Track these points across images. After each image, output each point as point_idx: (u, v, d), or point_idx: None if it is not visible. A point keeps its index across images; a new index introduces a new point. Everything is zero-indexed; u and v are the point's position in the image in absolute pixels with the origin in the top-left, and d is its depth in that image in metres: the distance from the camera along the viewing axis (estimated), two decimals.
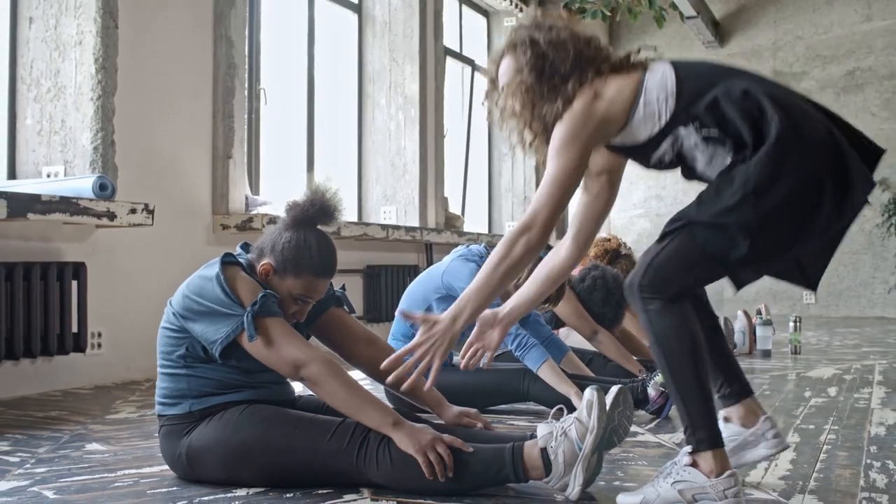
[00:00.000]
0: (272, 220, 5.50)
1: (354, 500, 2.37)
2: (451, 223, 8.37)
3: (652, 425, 3.55)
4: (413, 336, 3.76)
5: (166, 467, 2.72)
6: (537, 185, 8.75)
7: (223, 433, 2.46)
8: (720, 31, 11.39)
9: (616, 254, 5.55)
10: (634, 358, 4.45)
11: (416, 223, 7.72)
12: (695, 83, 2.29)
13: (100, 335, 4.75)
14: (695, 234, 2.21)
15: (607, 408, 2.38)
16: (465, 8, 9.56)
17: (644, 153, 2.41)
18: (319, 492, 2.43)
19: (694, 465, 2.23)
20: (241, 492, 2.44)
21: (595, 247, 5.63)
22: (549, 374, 3.67)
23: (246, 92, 5.78)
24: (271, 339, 2.42)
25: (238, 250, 2.67)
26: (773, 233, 2.18)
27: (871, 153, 2.30)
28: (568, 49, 2.41)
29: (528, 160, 9.98)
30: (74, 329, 4.49)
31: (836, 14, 10.72)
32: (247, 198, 5.77)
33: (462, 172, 9.50)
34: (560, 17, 2.52)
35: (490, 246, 3.94)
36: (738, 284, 2.26)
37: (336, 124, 7.61)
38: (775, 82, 2.36)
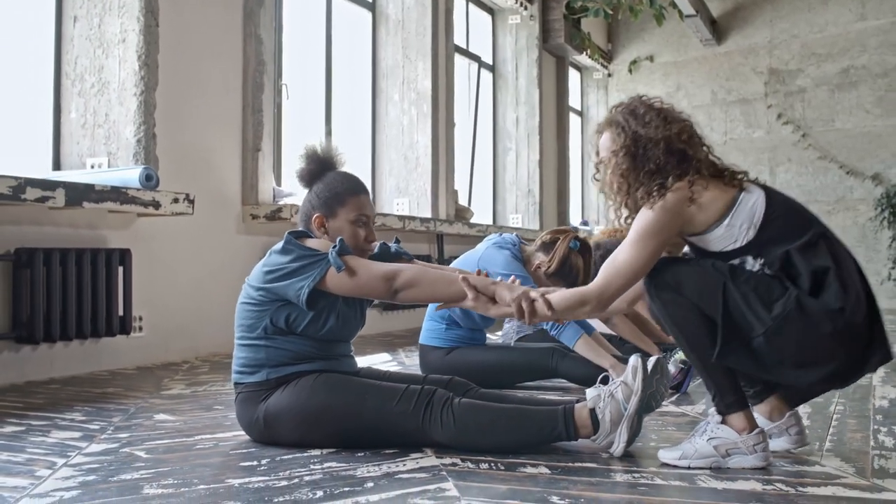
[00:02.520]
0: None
1: (420, 458, 2.61)
2: (461, 215, 8.62)
3: (673, 398, 3.81)
4: (449, 318, 4.04)
5: (239, 433, 2.97)
6: (541, 179, 9.01)
7: (299, 398, 2.71)
8: (717, 29, 11.65)
9: None
10: (649, 340, 4.70)
11: (428, 215, 7.98)
12: (779, 226, 2.48)
13: (141, 319, 5.00)
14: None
15: (649, 373, 2.65)
16: (471, 6, 9.82)
17: (704, 252, 2.61)
18: (387, 451, 2.69)
19: (725, 423, 2.51)
20: (316, 452, 2.69)
21: (605, 235, 5.88)
22: (585, 348, 3.92)
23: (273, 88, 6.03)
24: (356, 267, 2.66)
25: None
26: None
27: None
28: (659, 140, 2.58)
29: (531, 155, 10.24)
30: (120, 313, 4.74)
31: (831, 13, 11.00)
32: (273, 189, 6.01)
33: (469, 166, 9.75)
34: (655, 102, 2.68)
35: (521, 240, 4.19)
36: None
37: (352, 119, 7.86)
38: (838, 240, 2.53)
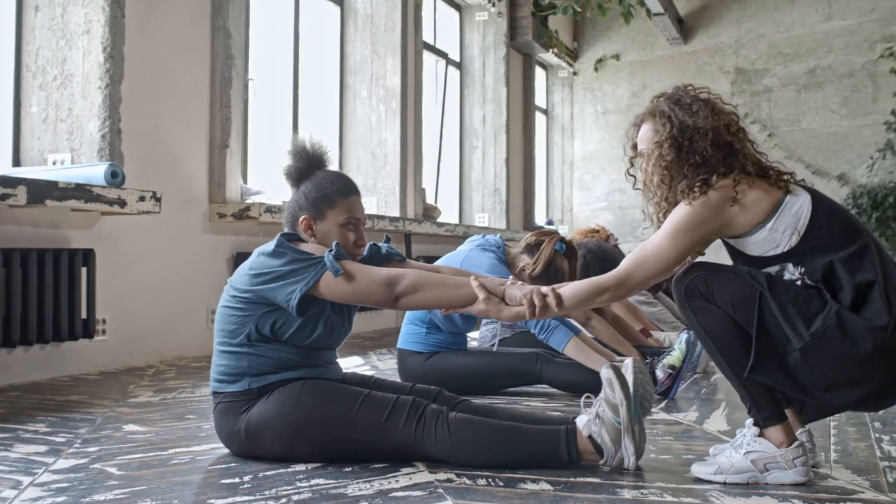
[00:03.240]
0: (269, 209, 5.58)
1: (412, 472, 2.48)
2: (429, 214, 8.49)
3: (662, 405, 3.70)
4: (430, 321, 3.90)
5: (216, 445, 2.82)
6: (508, 177, 8.90)
7: (283, 407, 2.56)
8: (684, 28, 11.61)
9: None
10: (628, 343, 4.60)
11: (396, 214, 7.83)
12: (825, 233, 2.34)
13: (104, 322, 4.80)
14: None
15: (627, 378, 2.52)
16: (439, 2, 9.67)
17: (742, 256, 2.48)
18: (375, 466, 2.54)
19: (762, 436, 2.38)
20: (300, 467, 2.54)
21: (581, 235, 5.79)
22: (576, 352, 3.81)
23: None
24: (354, 272, 2.52)
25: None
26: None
27: None
28: (707, 131, 2.44)
29: (498, 154, 10.13)
30: (83, 315, 4.54)
31: (798, 13, 10.99)
32: (241, 187, 5.83)
33: (435, 164, 9.62)
34: (701, 93, 2.55)
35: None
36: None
37: (319, 116, 7.68)
38: (885, 251, 2.40)
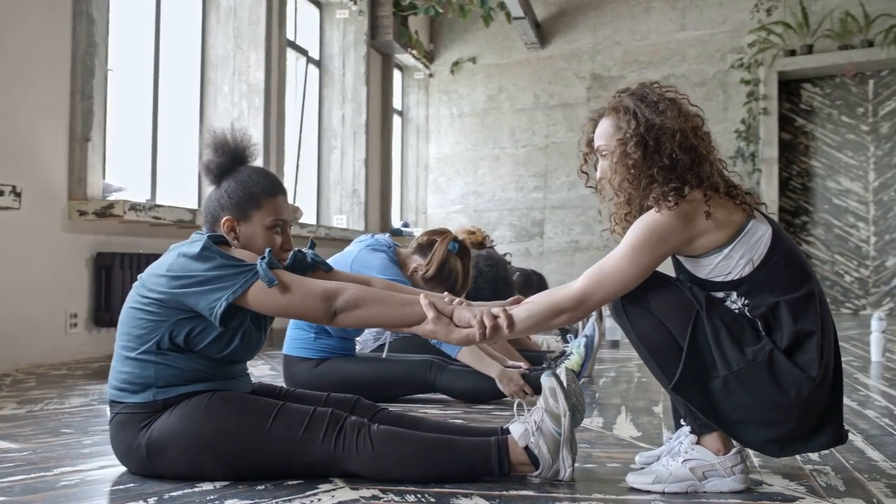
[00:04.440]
0: (134, 206, 5.28)
1: (333, 489, 2.31)
2: (291, 215, 8.24)
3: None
4: (318, 326, 3.73)
5: (105, 463, 2.60)
6: (366, 179, 8.75)
7: (191, 421, 2.35)
8: (541, 33, 11.71)
9: (481, 246, 5.63)
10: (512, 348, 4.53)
11: None
12: (778, 271, 2.25)
13: None
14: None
15: (566, 388, 2.44)
16: None
17: (687, 273, 2.39)
18: (290, 483, 2.37)
19: (699, 443, 2.33)
20: (208, 486, 2.34)
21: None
22: (470, 357, 3.71)
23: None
24: (289, 283, 2.32)
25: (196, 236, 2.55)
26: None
27: None
28: (675, 132, 2.31)
29: (357, 154, 9.97)
30: None
31: (653, 22, 11.25)
32: (102, 184, 5.50)
33: (294, 164, 9.38)
34: (667, 91, 2.41)
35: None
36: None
37: (179, 111, 7.35)
38: (826, 303, 2.33)
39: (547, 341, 5.37)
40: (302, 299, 2.32)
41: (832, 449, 2.74)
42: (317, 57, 9.95)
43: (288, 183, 8.87)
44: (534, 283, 6.51)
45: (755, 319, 2.29)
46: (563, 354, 4.05)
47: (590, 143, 2.50)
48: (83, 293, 5.37)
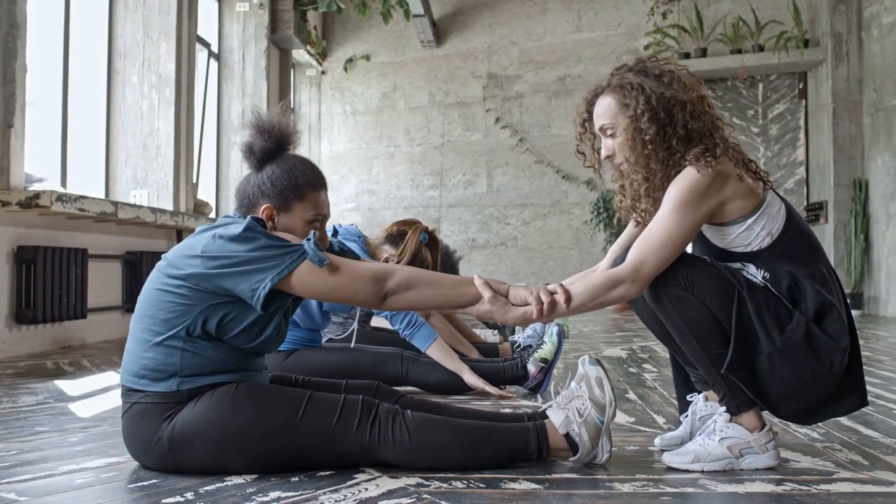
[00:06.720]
0: (61, 197, 5.04)
1: (370, 479, 2.24)
2: (200, 209, 8.04)
3: (537, 399, 3.64)
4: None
5: (110, 461, 2.46)
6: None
7: (219, 412, 2.23)
8: (437, 31, 11.73)
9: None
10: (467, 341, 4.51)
11: (169, 207, 7.34)
12: (793, 245, 2.30)
13: None
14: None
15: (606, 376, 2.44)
16: None
17: (706, 244, 2.41)
18: (323, 474, 2.28)
19: (733, 421, 2.35)
20: (239, 479, 2.22)
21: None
22: (438, 352, 3.69)
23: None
24: (339, 264, 2.23)
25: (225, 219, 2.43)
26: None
27: None
28: (685, 102, 2.32)
29: None
30: None
31: (549, 23, 11.40)
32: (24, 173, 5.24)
33: (196, 159, 9.13)
34: (666, 64, 2.41)
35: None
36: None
37: (88, 100, 7.07)
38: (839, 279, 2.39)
39: (483, 335, 5.36)
40: (351, 282, 2.23)
41: (830, 434, 2.82)
42: (216, 50, 9.72)
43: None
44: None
45: (783, 295, 2.33)
46: (531, 346, 4.05)
47: (583, 123, 2.49)
48: (3, 289, 5.10)
